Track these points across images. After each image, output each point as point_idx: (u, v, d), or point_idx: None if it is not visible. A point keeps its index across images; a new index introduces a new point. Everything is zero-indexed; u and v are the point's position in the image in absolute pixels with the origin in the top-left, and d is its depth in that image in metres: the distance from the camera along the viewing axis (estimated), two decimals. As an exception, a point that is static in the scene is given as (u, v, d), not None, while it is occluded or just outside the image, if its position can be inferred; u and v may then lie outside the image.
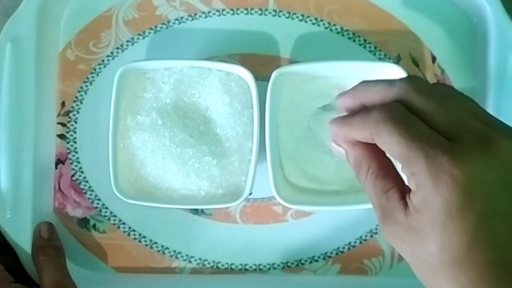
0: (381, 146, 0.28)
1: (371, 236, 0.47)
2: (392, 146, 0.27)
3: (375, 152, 0.30)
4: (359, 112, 0.30)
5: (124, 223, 0.47)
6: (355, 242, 0.47)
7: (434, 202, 0.25)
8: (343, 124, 0.31)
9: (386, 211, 0.28)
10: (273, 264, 0.47)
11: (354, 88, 0.31)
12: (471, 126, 0.26)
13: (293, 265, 0.47)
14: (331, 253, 0.47)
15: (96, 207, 0.47)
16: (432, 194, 0.25)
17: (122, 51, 0.48)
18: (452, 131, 0.26)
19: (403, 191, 0.28)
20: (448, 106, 0.27)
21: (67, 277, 0.44)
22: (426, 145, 0.25)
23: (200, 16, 0.48)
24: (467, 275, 0.26)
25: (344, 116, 0.31)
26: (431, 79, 0.47)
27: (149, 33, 0.48)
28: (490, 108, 0.46)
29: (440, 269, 0.26)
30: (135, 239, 0.47)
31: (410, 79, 0.29)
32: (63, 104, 0.48)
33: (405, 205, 0.28)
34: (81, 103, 0.48)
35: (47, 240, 0.45)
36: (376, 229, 0.47)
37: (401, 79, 0.29)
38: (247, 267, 0.47)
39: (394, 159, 0.28)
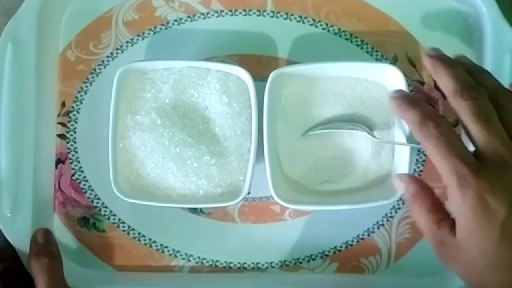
0: (428, 155, 0.34)
1: (368, 235, 0.47)
2: (434, 160, 0.33)
3: (429, 191, 0.37)
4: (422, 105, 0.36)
5: (123, 222, 0.48)
6: (352, 241, 0.47)
7: (464, 210, 0.32)
8: (403, 110, 0.37)
9: (438, 237, 0.34)
10: (271, 262, 0.48)
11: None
12: (497, 152, 0.33)
13: (291, 264, 0.48)
14: (329, 252, 0.48)
15: (96, 206, 0.48)
16: (461, 203, 0.32)
17: (122, 51, 0.48)
18: (484, 153, 0.33)
19: (452, 223, 0.34)
20: (489, 131, 0.33)
21: (61, 284, 0.43)
22: (459, 164, 0.32)
23: (199, 17, 0.48)
24: (506, 275, 0.32)
25: (411, 103, 0.37)
26: (428, 79, 0.48)
27: (149, 34, 0.48)
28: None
29: (485, 273, 0.33)
30: (134, 238, 0.48)
31: (467, 94, 0.34)
32: (63, 104, 0.48)
33: (455, 232, 0.33)
34: (81, 103, 0.48)
35: (42, 246, 0.45)
36: (373, 228, 0.47)
37: (465, 94, 0.35)
38: (245, 265, 0.48)
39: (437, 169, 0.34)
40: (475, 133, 0.34)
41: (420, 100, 0.37)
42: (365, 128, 0.44)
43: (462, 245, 0.33)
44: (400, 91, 0.40)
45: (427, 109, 0.36)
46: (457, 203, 0.32)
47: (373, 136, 0.44)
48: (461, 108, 0.35)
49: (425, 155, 0.48)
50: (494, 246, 0.32)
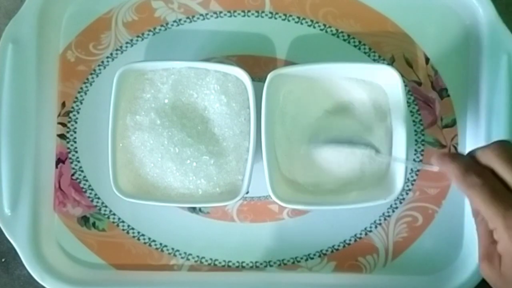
0: (473, 203, 0.36)
1: (366, 234, 0.48)
2: (480, 206, 0.34)
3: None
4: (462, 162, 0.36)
5: (123, 221, 0.48)
6: (350, 240, 0.48)
7: (510, 249, 0.33)
8: (447, 167, 0.36)
9: (488, 252, 0.35)
10: (269, 261, 0.48)
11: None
12: None
13: (289, 263, 0.48)
14: (327, 251, 0.48)
15: (96, 206, 0.48)
16: (508, 243, 0.33)
17: (122, 52, 0.49)
18: None
19: None
20: None
21: None
22: (503, 207, 0.33)
23: (198, 18, 0.49)
24: None
25: (452, 157, 0.37)
26: (425, 80, 0.48)
27: (148, 35, 0.49)
28: (483, 109, 0.46)
29: None
30: (134, 237, 0.48)
31: (497, 148, 0.35)
32: (63, 104, 0.49)
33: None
34: (81, 103, 0.48)
35: None
36: (370, 227, 0.48)
37: (491, 147, 0.35)
38: (244, 264, 0.48)
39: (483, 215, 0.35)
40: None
41: (459, 154, 0.40)
42: (367, 146, 0.44)
43: (504, 276, 0.34)
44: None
45: (467, 161, 0.36)
46: (504, 242, 0.34)
47: (377, 151, 0.43)
48: (494, 159, 0.35)
49: (422, 155, 0.48)
50: None
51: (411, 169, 0.48)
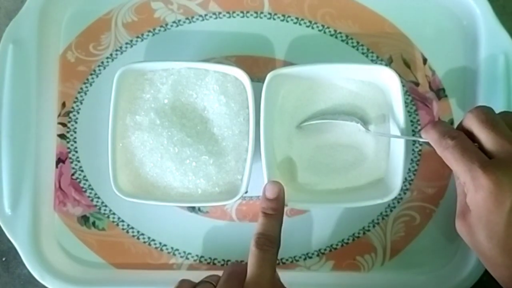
0: (448, 164, 0.38)
1: (364, 233, 0.48)
2: (452, 166, 0.38)
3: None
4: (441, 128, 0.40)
5: (123, 221, 0.48)
6: (348, 239, 0.48)
7: (476, 200, 0.36)
8: (428, 134, 0.40)
9: (463, 209, 0.39)
10: (268, 260, 0.48)
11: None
12: (505, 149, 0.36)
13: (288, 262, 0.48)
14: (325, 250, 0.48)
15: (96, 205, 0.48)
16: (474, 195, 0.36)
17: (121, 53, 0.49)
18: (493, 152, 0.37)
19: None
20: (496, 133, 0.37)
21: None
22: (470, 161, 0.36)
23: (197, 19, 0.49)
24: (510, 257, 0.36)
25: (432, 124, 0.41)
26: (422, 80, 0.48)
27: (148, 35, 0.49)
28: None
29: (490, 255, 0.37)
30: (133, 236, 0.48)
31: (476, 111, 0.39)
32: (63, 104, 0.49)
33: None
34: (81, 103, 0.49)
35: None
36: (368, 226, 0.48)
37: (471, 110, 0.39)
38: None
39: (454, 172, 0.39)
40: (485, 138, 0.37)
41: (441, 121, 0.43)
42: (358, 120, 0.45)
43: (471, 226, 0.38)
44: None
45: (445, 127, 0.40)
46: (471, 194, 0.36)
47: (366, 128, 0.44)
48: (473, 120, 0.38)
49: (419, 154, 0.48)
50: (500, 231, 0.36)
51: (409, 169, 0.48)
